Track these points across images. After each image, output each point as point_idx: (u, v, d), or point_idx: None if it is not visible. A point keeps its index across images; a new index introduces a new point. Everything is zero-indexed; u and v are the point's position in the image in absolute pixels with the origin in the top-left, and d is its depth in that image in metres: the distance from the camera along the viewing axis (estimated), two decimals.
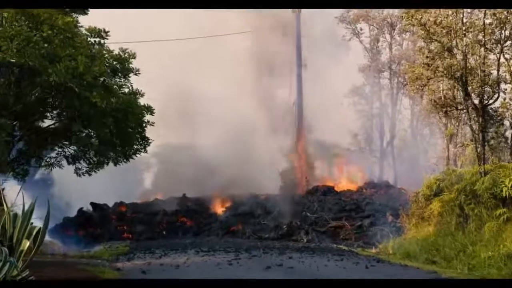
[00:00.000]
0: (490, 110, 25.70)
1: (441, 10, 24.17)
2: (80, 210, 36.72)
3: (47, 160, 21.98)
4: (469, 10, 24.69)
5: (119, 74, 20.37)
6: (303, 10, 49.02)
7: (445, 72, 25.03)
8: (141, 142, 21.54)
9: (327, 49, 54.27)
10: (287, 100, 50.66)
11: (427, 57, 26.17)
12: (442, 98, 28.98)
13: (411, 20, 25.53)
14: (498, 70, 24.76)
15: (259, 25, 46.83)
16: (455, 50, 24.73)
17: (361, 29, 56.79)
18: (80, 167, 21.74)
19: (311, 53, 51.32)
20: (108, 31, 19.90)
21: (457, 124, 30.72)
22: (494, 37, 24.55)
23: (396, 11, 50.07)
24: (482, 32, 24.25)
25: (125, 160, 21.61)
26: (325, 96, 52.75)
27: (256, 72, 48.77)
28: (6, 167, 20.19)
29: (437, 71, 25.77)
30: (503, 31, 24.35)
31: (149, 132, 21.60)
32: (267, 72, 49.19)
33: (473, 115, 25.03)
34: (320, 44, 53.02)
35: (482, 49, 24.41)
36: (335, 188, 43.14)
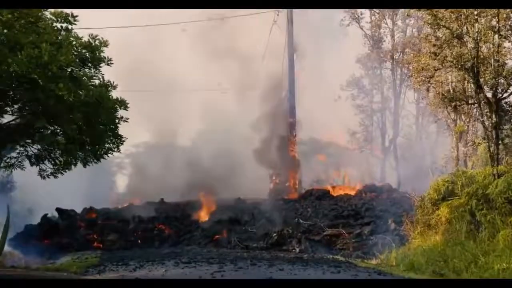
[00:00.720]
0: (505, 105, 25.70)
1: None
2: (44, 217, 36.50)
3: (7, 160, 21.83)
4: None
5: (89, 64, 20.27)
6: None
7: (454, 62, 25.05)
8: (113, 140, 21.45)
9: (323, 35, 54.35)
10: (278, 93, 50.70)
11: (434, 45, 26.18)
12: (451, 91, 29.01)
13: (417, 8, 25.55)
14: None
15: (248, 10, 46.83)
16: (465, 38, 24.75)
17: (361, 13, 56.73)
18: (44, 168, 21.64)
19: (304, 40, 51.37)
20: (76, 16, 19.79)
21: (467, 120, 30.74)
22: (509, 22, 24.56)
23: None
24: (496, 17, 24.25)
25: (95, 161, 21.53)
26: (320, 89, 52.84)
27: (244, 62, 48.77)
28: None
29: (445, 61, 25.78)
30: None
31: (122, 129, 21.52)
32: (256, 61, 49.20)
33: (485, 110, 25.04)
34: (315, 30, 53.08)
35: (496, 36, 24.40)
36: (331, 192, 43.17)
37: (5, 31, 17.38)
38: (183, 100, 49.72)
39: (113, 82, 20.61)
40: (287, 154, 48.80)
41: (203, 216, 39.61)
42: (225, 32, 49.45)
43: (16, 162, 21.71)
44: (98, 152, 21.25)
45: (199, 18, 46.27)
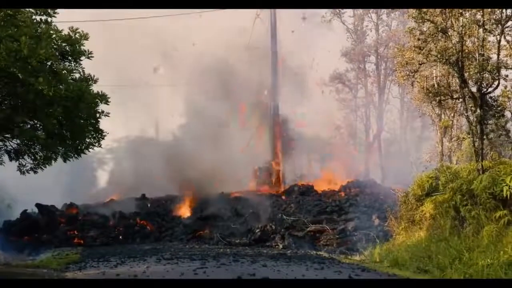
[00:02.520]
0: (490, 100, 25.67)
1: None
2: (24, 213, 36.36)
3: None
4: None
5: (69, 58, 20.15)
6: None
7: (438, 56, 25.04)
8: (94, 135, 21.37)
9: (305, 30, 54.34)
10: (260, 88, 50.68)
11: (418, 39, 26.16)
12: (436, 85, 29.00)
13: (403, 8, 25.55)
14: (498, 54, 24.75)
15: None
16: (450, 32, 24.77)
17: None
18: (24, 164, 21.54)
19: (287, 35, 51.36)
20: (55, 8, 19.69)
21: (452, 115, 30.75)
22: (494, 16, 24.55)
23: None
24: (481, 11, 24.30)
25: (76, 156, 21.44)
26: (303, 83, 52.83)
27: (225, 57, 48.67)
28: None
29: (429, 55, 25.75)
30: (504, 10, 24.37)
31: (103, 123, 21.46)
32: (238, 56, 49.12)
33: (470, 105, 25.08)
34: (297, 25, 53.04)
35: (481, 30, 24.42)
36: (315, 187, 43.18)
37: None
38: (166, 95, 49.76)
39: (94, 76, 20.52)
40: (272, 148, 48.91)
41: (185, 212, 39.57)
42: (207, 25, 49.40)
43: None
44: (79, 147, 21.17)
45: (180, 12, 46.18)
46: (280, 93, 50.04)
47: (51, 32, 19.37)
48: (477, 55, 24.28)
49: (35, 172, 21.68)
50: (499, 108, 25.63)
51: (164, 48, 49.96)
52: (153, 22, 46.66)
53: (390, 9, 52.46)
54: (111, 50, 44.28)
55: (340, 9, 56.14)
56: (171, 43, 49.40)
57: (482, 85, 24.41)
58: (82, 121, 20.55)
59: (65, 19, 20.78)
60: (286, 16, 51.15)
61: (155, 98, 50.20)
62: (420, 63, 27.13)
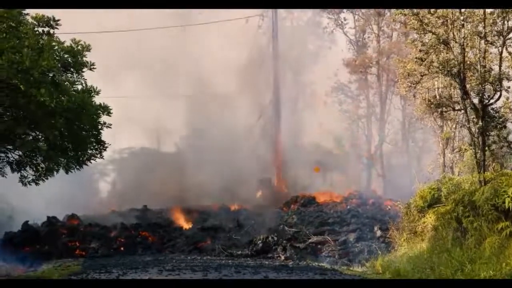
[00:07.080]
0: (491, 111, 25.62)
1: None
2: (25, 224, 36.26)
3: None
4: None
5: (71, 69, 20.16)
6: None
7: (440, 67, 25.03)
8: (96, 147, 21.39)
9: (307, 41, 54.41)
10: (262, 99, 50.69)
11: (420, 50, 26.15)
12: (437, 97, 29.01)
13: (402, 9, 25.53)
14: (500, 66, 24.71)
15: (231, 15, 46.75)
16: (452, 43, 24.76)
17: (345, 19, 56.85)
18: (26, 175, 21.51)
19: (288, 46, 51.37)
20: (58, 20, 19.70)
21: (454, 126, 30.74)
22: (496, 28, 24.55)
23: None
24: (483, 23, 24.26)
25: (77, 167, 21.43)
26: (305, 95, 52.84)
27: (228, 68, 48.69)
28: None
29: (431, 67, 25.76)
30: (506, 22, 24.35)
31: (105, 135, 21.46)
32: (241, 67, 49.13)
33: (472, 116, 25.03)
34: (299, 36, 53.11)
35: (483, 41, 24.41)
36: (317, 199, 43.09)
37: None
38: (168, 106, 49.72)
39: (96, 88, 20.53)
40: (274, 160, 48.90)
41: (187, 223, 39.50)
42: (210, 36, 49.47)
43: None
44: (81, 158, 21.17)
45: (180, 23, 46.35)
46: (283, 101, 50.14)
47: (53, 43, 19.40)
48: (478, 66, 24.26)
49: (37, 184, 21.65)
50: (501, 120, 25.58)
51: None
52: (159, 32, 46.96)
53: (391, 21, 52.50)
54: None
55: (342, 20, 56.43)
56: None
57: (484, 96, 24.40)
58: (84, 132, 20.57)
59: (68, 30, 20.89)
60: (289, 26, 51.38)
61: (157, 109, 50.15)
62: (422, 74, 27.15)
